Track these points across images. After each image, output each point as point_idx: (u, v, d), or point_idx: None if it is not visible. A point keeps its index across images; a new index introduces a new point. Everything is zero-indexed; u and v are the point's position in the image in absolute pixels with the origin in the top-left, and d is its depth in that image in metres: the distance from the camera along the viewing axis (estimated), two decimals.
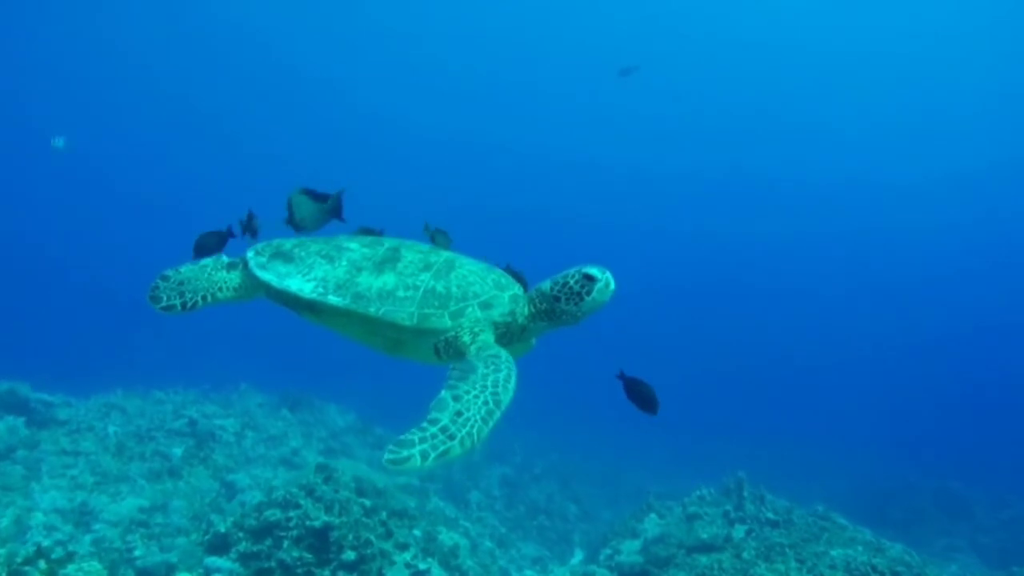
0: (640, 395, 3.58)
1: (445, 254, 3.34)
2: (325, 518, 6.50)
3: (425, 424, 2.57)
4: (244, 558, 6.26)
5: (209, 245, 3.93)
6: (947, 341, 41.86)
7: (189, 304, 3.42)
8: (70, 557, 4.63)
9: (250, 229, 3.75)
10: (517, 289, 3.29)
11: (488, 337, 3.13)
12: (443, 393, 2.74)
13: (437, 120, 46.28)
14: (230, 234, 4.01)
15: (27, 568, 4.26)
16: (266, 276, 3.30)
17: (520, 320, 3.24)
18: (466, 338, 3.09)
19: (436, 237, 4.03)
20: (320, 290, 3.15)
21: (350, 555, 6.32)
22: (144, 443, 9.86)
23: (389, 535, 6.95)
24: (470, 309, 3.09)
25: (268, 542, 6.35)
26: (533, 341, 3.58)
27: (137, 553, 6.59)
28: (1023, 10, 33.75)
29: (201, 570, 6.09)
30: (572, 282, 3.10)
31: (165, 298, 3.42)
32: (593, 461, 17.77)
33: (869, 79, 41.24)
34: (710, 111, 44.90)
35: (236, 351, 22.74)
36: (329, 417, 14.19)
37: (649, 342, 36.02)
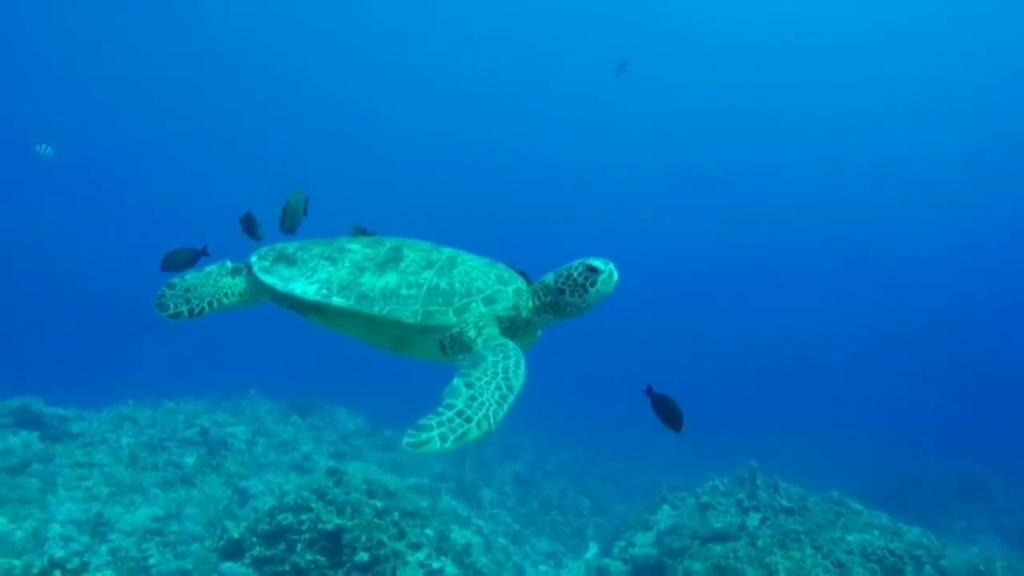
0: (667, 412, 3.61)
1: (447, 251, 3.34)
2: (337, 521, 6.51)
3: (441, 409, 2.60)
4: (258, 563, 6.28)
5: (179, 262, 3.91)
6: (960, 323, 41.55)
7: (196, 311, 3.45)
8: (84, 567, 4.65)
9: (250, 231, 3.74)
10: (520, 283, 3.30)
11: (493, 331, 3.14)
12: (456, 381, 2.76)
13: (435, 120, 46.20)
14: (204, 253, 3.99)
15: None
16: (270, 280, 3.32)
17: (524, 314, 3.23)
18: (471, 333, 3.09)
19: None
20: (324, 292, 3.16)
21: (363, 556, 6.33)
22: (157, 453, 9.92)
23: (402, 535, 6.96)
24: (474, 304, 3.09)
25: (281, 546, 6.37)
26: (539, 334, 3.58)
27: (152, 561, 6.64)
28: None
29: None
30: (576, 274, 3.10)
31: (172, 306, 3.45)
32: (605, 456, 17.73)
33: (864, 69, 40.91)
34: (709, 108, 44.63)
35: (244, 358, 22.84)
36: (339, 421, 14.22)
37: (657, 336, 36.04)
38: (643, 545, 8.34)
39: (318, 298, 3.15)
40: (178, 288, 3.51)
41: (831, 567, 6.81)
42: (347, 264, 3.26)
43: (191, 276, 3.57)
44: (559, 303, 3.18)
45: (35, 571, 4.26)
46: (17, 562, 4.15)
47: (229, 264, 3.62)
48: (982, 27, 35.87)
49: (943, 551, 7.85)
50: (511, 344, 3.01)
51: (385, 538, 6.63)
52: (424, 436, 2.47)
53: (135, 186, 42.87)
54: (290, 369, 19.53)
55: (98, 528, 7.40)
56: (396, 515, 7.16)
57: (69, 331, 28.32)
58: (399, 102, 46.44)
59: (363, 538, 6.48)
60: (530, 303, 3.25)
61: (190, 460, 9.87)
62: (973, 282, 43.78)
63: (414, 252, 3.29)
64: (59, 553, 5.80)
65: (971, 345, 39.20)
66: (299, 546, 6.29)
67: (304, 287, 3.21)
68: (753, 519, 8.25)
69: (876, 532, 7.89)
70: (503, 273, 3.30)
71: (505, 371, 2.80)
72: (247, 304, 3.61)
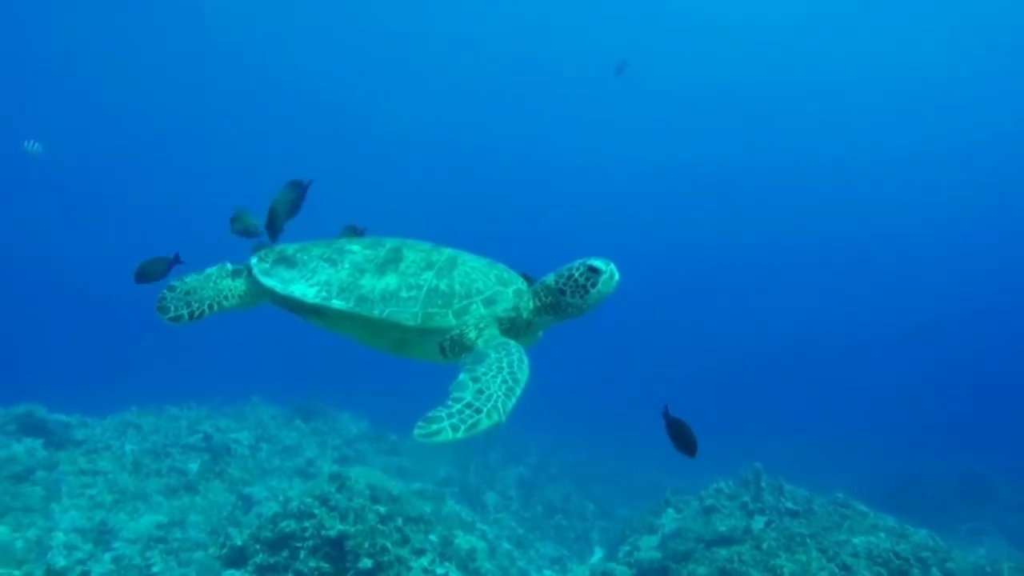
0: (681, 436, 3.60)
1: (447, 252, 3.33)
2: (340, 527, 6.49)
3: (449, 402, 2.62)
4: (261, 570, 6.27)
5: (152, 273, 3.90)
6: (961, 321, 41.41)
7: (196, 313, 3.45)
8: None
9: (247, 233, 3.71)
10: (521, 284, 3.29)
11: (493, 332, 3.13)
12: (461, 376, 2.78)
13: (435, 120, 46.15)
14: (176, 261, 3.98)
15: None
16: (270, 282, 3.32)
17: (525, 315, 3.23)
18: (471, 335, 3.09)
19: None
20: (324, 295, 3.16)
21: (367, 563, 6.30)
22: (160, 459, 9.92)
23: (405, 541, 6.93)
24: (474, 306, 3.09)
25: (285, 553, 6.35)
26: (540, 334, 3.57)
27: (156, 569, 6.64)
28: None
29: None
30: (577, 274, 3.10)
31: (172, 308, 3.44)
32: (609, 459, 17.67)
33: (864, 67, 40.77)
34: (709, 107, 44.51)
35: (247, 363, 22.85)
36: (342, 425, 14.20)
37: (658, 337, 35.99)
38: (648, 549, 8.31)
39: (318, 301, 3.15)
40: (178, 291, 3.51)
41: (837, 570, 6.77)
42: (347, 266, 3.26)
43: (191, 278, 3.56)
44: (560, 304, 3.18)
45: None
46: (17, 572, 4.13)
47: (229, 266, 3.62)
48: (982, 25, 35.76)
49: (949, 553, 7.82)
50: (513, 342, 3.02)
51: (388, 544, 6.60)
52: (435, 427, 2.49)
53: (135, 187, 42.81)
54: (293, 373, 19.51)
55: (102, 536, 7.39)
56: (400, 521, 7.13)
57: (72, 336, 28.37)
58: (398, 102, 46.39)
59: (366, 544, 6.46)
60: (531, 304, 3.25)
61: (194, 466, 9.86)
62: (975, 280, 43.64)
63: (414, 253, 3.28)
64: (61, 562, 5.80)
65: (973, 343, 39.06)
66: (302, 553, 6.28)
67: (304, 289, 3.21)
68: (758, 522, 8.22)
69: (882, 534, 7.86)
70: (503, 274, 3.29)
71: (510, 366, 2.82)
72: (248, 306, 3.60)
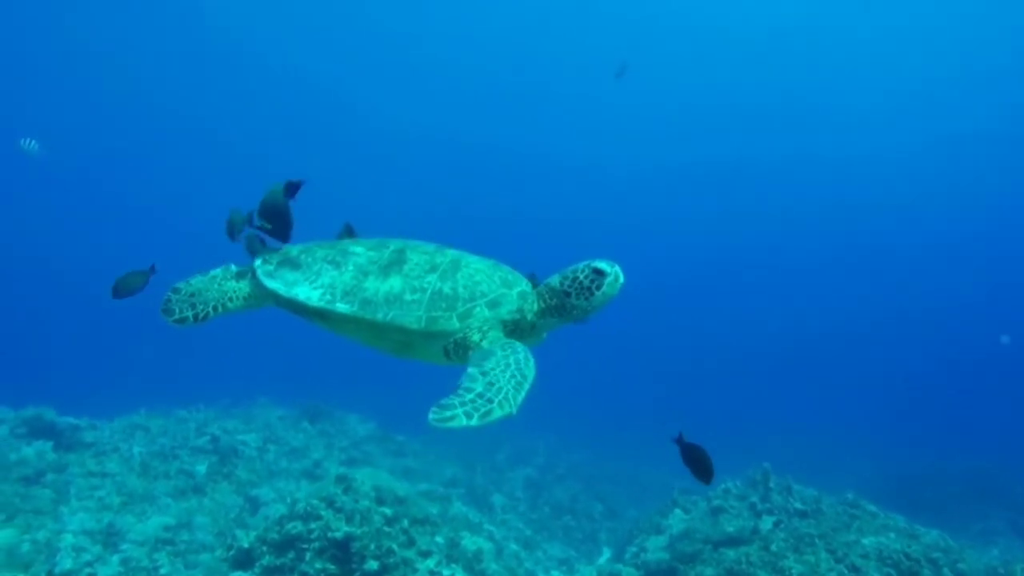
0: (695, 462, 3.59)
1: (451, 253, 3.33)
2: (346, 529, 6.48)
3: (461, 391, 2.66)
4: (268, 572, 6.26)
5: (130, 286, 3.90)
6: (969, 318, 41.09)
7: (201, 315, 3.46)
8: None
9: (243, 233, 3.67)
10: (525, 285, 3.29)
11: (498, 334, 3.13)
12: (471, 370, 2.80)
13: (435, 120, 46.20)
14: (152, 272, 3.98)
15: None
16: (274, 285, 3.32)
17: (529, 317, 3.23)
18: (475, 337, 3.08)
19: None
20: (328, 297, 3.16)
21: (373, 565, 6.29)
22: (168, 461, 9.95)
23: (411, 543, 6.92)
24: (478, 309, 3.09)
25: (291, 555, 6.34)
26: (544, 335, 3.56)
27: (163, 571, 6.66)
28: None
29: None
30: (582, 276, 3.10)
31: (177, 311, 3.46)
32: (616, 460, 17.63)
33: (864, 65, 40.46)
34: (708, 106, 44.33)
35: (253, 365, 22.91)
36: (349, 427, 14.21)
37: (663, 336, 35.90)
38: (655, 550, 8.27)
39: (322, 304, 3.15)
40: (183, 293, 3.52)
41: (846, 571, 6.72)
42: (351, 268, 3.26)
43: (196, 280, 3.57)
44: (565, 306, 3.17)
45: None
46: (23, 575, 4.14)
47: (234, 268, 3.62)
48: (984, 23, 35.44)
49: (961, 554, 7.74)
50: (518, 343, 3.02)
51: (395, 546, 6.60)
52: (449, 413, 2.54)
53: (137, 187, 42.97)
54: (300, 374, 19.58)
55: (110, 538, 7.41)
56: (406, 522, 7.12)
57: (81, 339, 28.53)
58: (398, 102, 46.42)
59: (372, 546, 6.45)
60: (535, 306, 3.24)
61: (201, 468, 9.89)
62: (981, 275, 43.30)
63: (418, 255, 3.28)
64: (67, 565, 5.82)
65: (980, 339, 38.74)
66: (308, 555, 6.27)
67: (308, 292, 3.21)
68: (766, 522, 8.16)
69: (892, 535, 7.79)
70: (508, 275, 3.29)
71: (517, 363, 2.84)
72: (252, 308, 3.61)
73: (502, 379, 2.73)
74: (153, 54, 39.50)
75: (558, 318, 3.24)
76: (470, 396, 2.63)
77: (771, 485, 8.91)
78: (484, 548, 7.84)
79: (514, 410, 2.63)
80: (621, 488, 15.65)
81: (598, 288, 3.08)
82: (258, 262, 3.48)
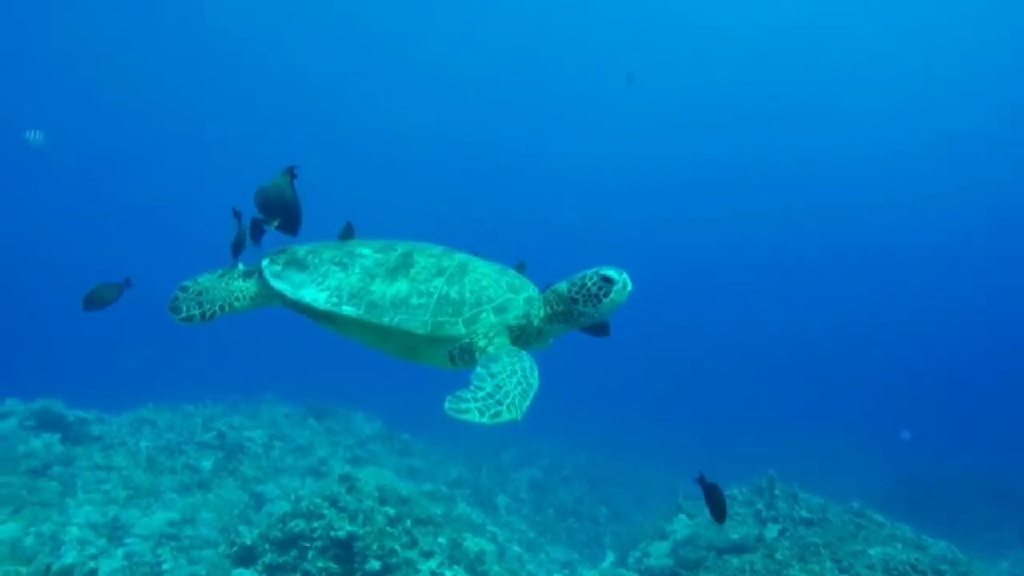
0: (714, 503, 3.81)
1: (458, 257, 3.31)
2: (349, 528, 6.48)
3: (473, 387, 2.71)
4: (270, 570, 6.27)
5: (103, 298, 3.89)
6: (979, 321, 40.71)
7: (208, 314, 3.46)
8: (93, 574, 4.67)
9: (254, 236, 3.66)
10: (532, 291, 3.28)
11: (503, 340, 3.12)
12: (479, 370, 2.84)
13: (435, 122, 46.18)
14: (127, 285, 3.98)
15: None
16: (280, 286, 3.31)
17: (536, 322, 3.22)
18: (481, 343, 3.08)
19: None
20: (334, 300, 3.16)
21: (374, 565, 6.29)
22: (174, 456, 9.99)
23: (414, 543, 6.92)
24: (484, 314, 3.08)
25: (293, 553, 6.35)
26: (550, 340, 3.55)
27: (166, 567, 6.67)
28: None
29: None
30: (590, 283, 3.08)
31: (185, 309, 3.46)
32: (622, 462, 17.58)
33: (867, 64, 40.10)
34: (711, 106, 44.09)
35: (261, 361, 23.01)
36: (355, 425, 14.24)
37: (670, 339, 35.76)
38: (658, 556, 8.22)
39: (328, 307, 3.14)
40: (191, 291, 3.53)
41: None
42: (358, 270, 3.25)
43: (203, 279, 3.58)
44: (572, 312, 3.16)
45: None
46: (24, 569, 4.16)
47: (241, 267, 3.62)
48: (984, 23, 35.02)
49: (969, 567, 7.66)
50: (524, 352, 3.02)
51: (397, 546, 6.59)
52: (464, 406, 2.61)
53: (140, 187, 43.19)
54: (308, 372, 19.65)
55: (115, 532, 7.45)
56: (408, 522, 7.12)
57: (90, 333, 28.68)
58: (399, 103, 46.40)
59: (375, 546, 6.44)
60: (542, 312, 3.23)
61: (207, 464, 9.93)
62: (993, 277, 42.84)
63: (425, 258, 3.27)
64: (69, 560, 5.85)
65: (991, 343, 38.39)
66: (311, 553, 6.27)
67: (314, 295, 3.21)
68: (771, 530, 8.09)
69: (899, 545, 7.72)
70: (514, 280, 3.27)
71: (523, 371, 2.85)
72: (258, 307, 3.60)
73: (509, 383, 2.76)
74: (153, 54, 39.60)
75: (565, 324, 3.23)
76: (482, 394, 2.68)
77: (777, 492, 8.84)
78: (487, 550, 7.83)
79: (519, 417, 2.67)
80: (626, 491, 15.60)
81: (606, 295, 3.06)
82: (265, 262, 3.48)
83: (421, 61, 44.10)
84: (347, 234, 3.74)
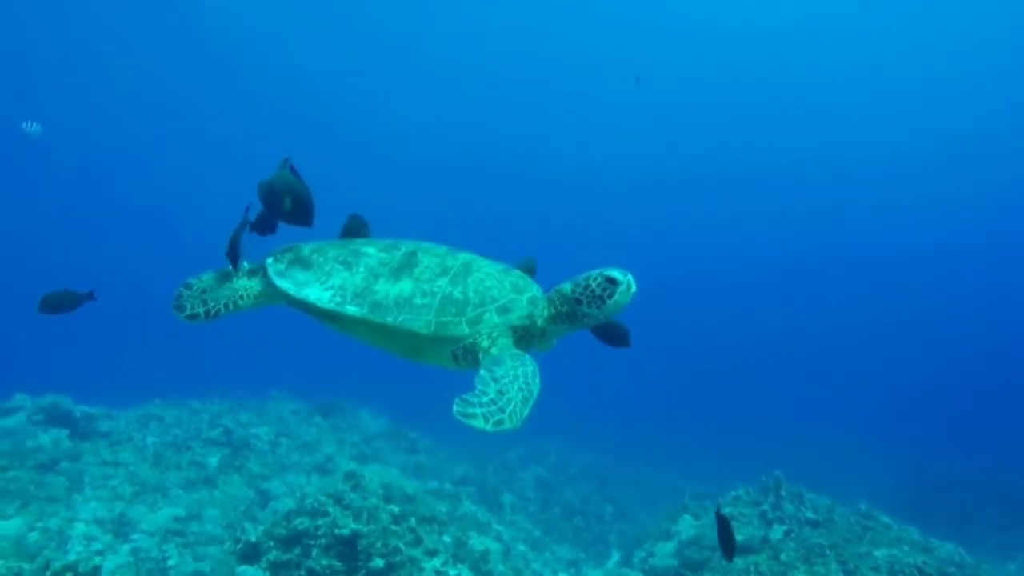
0: (725, 538, 3.94)
1: (463, 257, 3.31)
2: (353, 526, 6.50)
3: (478, 391, 2.74)
4: (274, 567, 6.30)
5: (60, 303, 3.88)
6: (988, 321, 40.38)
7: (212, 312, 3.47)
8: (96, 571, 4.69)
9: (263, 230, 3.65)
10: (536, 291, 3.27)
11: (507, 341, 3.11)
12: (483, 372, 2.84)
13: (436, 121, 46.04)
14: (90, 298, 3.96)
15: None
16: (284, 284, 3.32)
17: (540, 323, 3.21)
18: (484, 343, 3.07)
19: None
20: (338, 299, 3.16)
21: (379, 563, 6.30)
22: (181, 453, 10.05)
23: (418, 542, 6.93)
24: (488, 315, 3.07)
25: (297, 551, 6.38)
26: (554, 341, 3.55)
27: (171, 563, 6.70)
28: None
29: None
30: (594, 285, 3.08)
31: (189, 307, 3.48)
32: (629, 461, 17.55)
33: (871, 62, 39.67)
34: (714, 105, 43.77)
35: (268, 357, 23.08)
36: (362, 422, 14.27)
37: (679, 339, 35.65)
38: (663, 556, 8.20)
39: (331, 306, 3.15)
40: (195, 289, 3.54)
41: None
42: (362, 269, 3.25)
43: (208, 277, 3.58)
44: (576, 313, 3.16)
45: (48, 574, 4.29)
46: (27, 565, 4.18)
47: (246, 265, 3.61)
48: (985, 22, 34.66)
49: (977, 570, 7.60)
50: (527, 355, 3.01)
51: (401, 544, 6.60)
52: (471, 411, 2.64)
53: (143, 186, 43.24)
54: (314, 368, 19.67)
55: (121, 528, 7.49)
56: (413, 521, 7.13)
57: (99, 329, 28.85)
58: (400, 103, 46.26)
59: (379, 544, 6.46)
60: (545, 312, 3.22)
61: (213, 460, 9.97)
62: (1001, 276, 42.43)
63: (429, 258, 3.26)
64: (73, 556, 5.88)
65: (997, 344, 38.06)
66: (315, 551, 6.30)
67: (318, 293, 3.21)
68: (777, 531, 8.06)
69: (906, 548, 7.66)
70: (518, 280, 3.26)
71: (525, 376, 2.85)
72: (263, 305, 3.61)
73: (512, 389, 2.77)
74: (152, 54, 39.42)
75: (568, 325, 3.23)
76: (486, 399, 2.71)
77: (783, 493, 8.79)
78: (491, 548, 7.83)
79: (518, 425, 2.70)
80: (632, 490, 15.56)
81: (610, 297, 3.07)
82: (269, 260, 3.49)
83: (422, 60, 44.03)
84: (353, 228, 3.73)
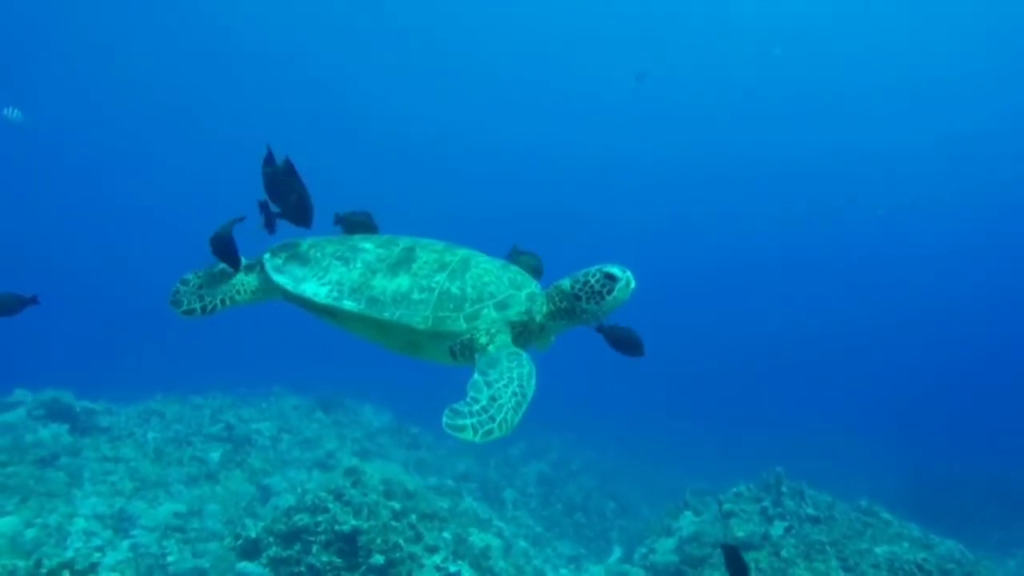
0: (733, 562, 3.95)
1: (461, 252, 3.30)
2: (353, 522, 6.50)
3: (470, 399, 2.75)
4: (274, 563, 6.30)
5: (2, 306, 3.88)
6: (991, 318, 40.26)
7: (209, 308, 3.46)
8: (93, 568, 4.69)
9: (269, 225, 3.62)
10: (535, 287, 3.26)
11: (505, 338, 3.11)
12: (476, 377, 2.85)
13: (440, 117, 45.93)
14: (33, 302, 3.97)
15: None
16: (281, 280, 3.31)
17: (538, 319, 3.20)
18: (482, 340, 3.07)
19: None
20: (335, 295, 3.15)
21: (379, 559, 6.31)
22: (182, 448, 10.04)
23: (418, 538, 6.93)
24: (485, 310, 3.06)
25: (297, 547, 6.38)
26: (552, 339, 3.54)
27: (171, 559, 6.70)
28: None
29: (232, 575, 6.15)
30: (593, 281, 3.08)
31: (186, 302, 3.47)
32: (631, 457, 17.54)
33: (863, 59, 39.48)
34: (719, 103, 43.66)
35: (270, 352, 23.07)
36: (364, 418, 14.28)
37: (682, 334, 35.56)
38: (664, 552, 8.20)
39: (328, 301, 3.14)
40: (192, 284, 3.54)
41: None
42: (359, 265, 3.24)
43: (205, 272, 3.57)
44: (574, 309, 3.15)
45: (43, 571, 4.29)
46: (22, 563, 4.17)
47: (244, 260, 3.60)
48: (988, 16, 34.43)
49: (976, 566, 7.59)
50: (524, 354, 3.01)
51: (401, 541, 6.60)
52: (461, 422, 2.65)
53: (145, 181, 43.23)
54: (316, 363, 19.66)
55: (121, 524, 7.49)
56: (414, 517, 7.13)
57: (100, 324, 28.92)
58: (406, 99, 46.01)
59: (379, 540, 6.46)
60: (544, 308, 3.22)
61: (215, 456, 9.98)
62: (1005, 274, 42.29)
63: (427, 253, 3.25)
64: (70, 553, 5.88)
65: (999, 342, 37.96)
66: (315, 547, 6.30)
67: (315, 289, 3.20)
68: (777, 528, 8.05)
69: (906, 544, 7.66)
70: (516, 276, 3.26)
71: (520, 378, 2.84)
72: (260, 301, 3.61)
73: (504, 394, 2.76)
74: (152, 49, 39.06)
75: (567, 321, 3.23)
76: (477, 408, 2.71)
77: (783, 489, 8.78)
78: (492, 544, 7.83)
79: (509, 433, 2.71)
80: (634, 486, 15.55)
81: (609, 293, 3.07)
82: (267, 256, 3.48)
83: (425, 55, 43.80)
84: (357, 223, 3.72)
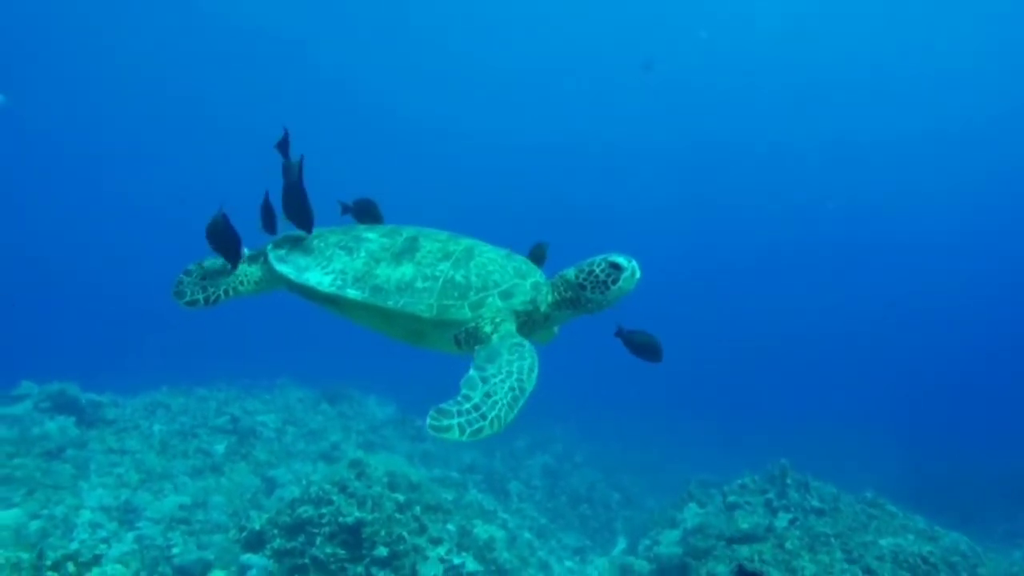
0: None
1: (465, 242, 3.29)
2: (357, 514, 6.50)
3: (460, 398, 2.71)
4: (278, 555, 6.31)
5: None
6: (999, 312, 40.08)
7: (212, 299, 3.47)
8: (97, 560, 4.71)
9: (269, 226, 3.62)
10: (539, 276, 3.26)
11: (510, 327, 3.10)
12: (472, 372, 2.82)
13: (446, 110, 45.81)
14: None
15: (51, 574, 4.34)
16: (285, 269, 3.31)
17: (543, 308, 3.20)
18: (487, 328, 3.06)
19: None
20: (339, 283, 3.15)
21: (383, 551, 6.31)
22: (187, 440, 10.07)
23: (423, 530, 6.94)
24: (490, 299, 3.06)
25: (301, 539, 6.39)
26: (556, 329, 3.53)
27: (176, 551, 6.72)
28: None
29: (236, 567, 6.16)
30: (598, 270, 3.07)
31: (189, 293, 3.47)
32: (636, 449, 17.55)
33: (865, 58, 39.11)
34: (724, 97, 43.36)
35: (276, 344, 23.13)
36: (368, 410, 14.30)
37: (688, 327, 35.49)
38: (668, 544, 8.19)
39: (332, 290, 3.14)
40: (195, 276, 3.54)
41: (860, 573, 6.59)
42: (363, 254, 3.24)
43: (208, 263, 3.57)
44: (579, 299, 3.15)
45: (47, 563, 4.31)
46: (26, 555, 4.19)
47: (246, 251, 3.60)
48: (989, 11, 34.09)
49: (982, 558, 7.57)
50: (528, 345, 2.99)
51: (405, 533, 6.61)
52: (446, 422, 2.60)
53: (150, 174, 43.24)
54: (322, 356, 19.71)
55: (126, 515, 7.53)
56: (418, 509, 7.14)
57: (106, 316, 29.04)
58: (412, 94, 45.89)
59: (383, 532, 6.47)
60: (549, 297, 3.22)
61: (220, 448, 10.01)
62: (1013, 266, 42.04)
63: (431, 243, 3.25)
64: (74, 545, 5.91)
65: (1005, 334, 37.80)
66: (319, 539, 6.31)
67: (319, 278, 3.20)
68: (782, 520, 8.04)
69: (911, 536, 7.64)
70: (521, 265, 3.25)
71: (519, 372, 2.81)
72: (263, 291, 3.60)
73: (500, 391, 2.73)
74: (154, 44, 38.88)
75: (572, 310, 3.22)
76: (467, 406, 2.67)
77: (788, 481, 8.77)
78: (496, 536, 7.84)
79: (501, 430, 2.68)
80: (639, 478, 15.56)
81: (614, 283, 3.06)
82: (270, 246, 3.49)
83: (432, 49, 43.56)
84: (364, 210, 3.71)
